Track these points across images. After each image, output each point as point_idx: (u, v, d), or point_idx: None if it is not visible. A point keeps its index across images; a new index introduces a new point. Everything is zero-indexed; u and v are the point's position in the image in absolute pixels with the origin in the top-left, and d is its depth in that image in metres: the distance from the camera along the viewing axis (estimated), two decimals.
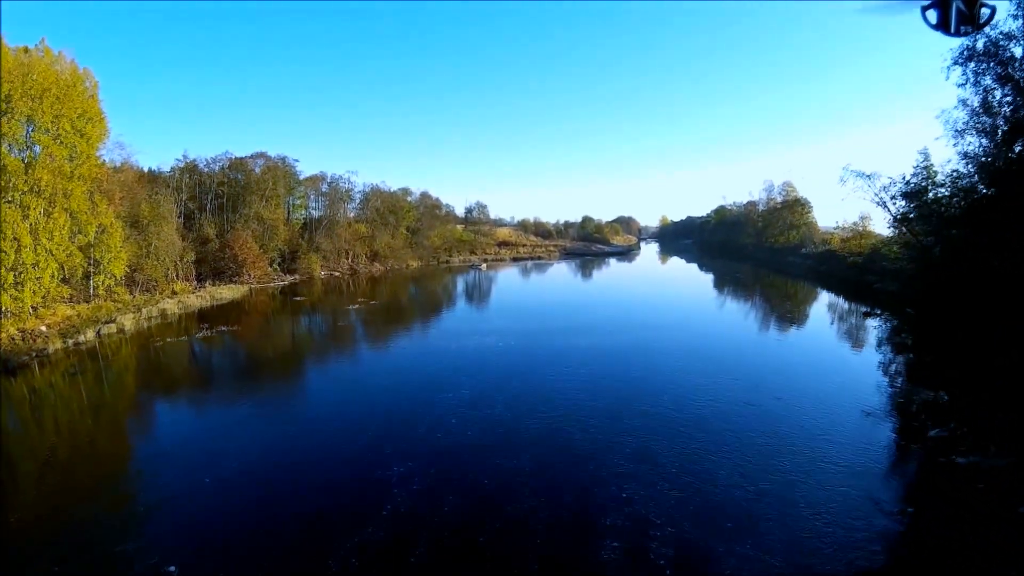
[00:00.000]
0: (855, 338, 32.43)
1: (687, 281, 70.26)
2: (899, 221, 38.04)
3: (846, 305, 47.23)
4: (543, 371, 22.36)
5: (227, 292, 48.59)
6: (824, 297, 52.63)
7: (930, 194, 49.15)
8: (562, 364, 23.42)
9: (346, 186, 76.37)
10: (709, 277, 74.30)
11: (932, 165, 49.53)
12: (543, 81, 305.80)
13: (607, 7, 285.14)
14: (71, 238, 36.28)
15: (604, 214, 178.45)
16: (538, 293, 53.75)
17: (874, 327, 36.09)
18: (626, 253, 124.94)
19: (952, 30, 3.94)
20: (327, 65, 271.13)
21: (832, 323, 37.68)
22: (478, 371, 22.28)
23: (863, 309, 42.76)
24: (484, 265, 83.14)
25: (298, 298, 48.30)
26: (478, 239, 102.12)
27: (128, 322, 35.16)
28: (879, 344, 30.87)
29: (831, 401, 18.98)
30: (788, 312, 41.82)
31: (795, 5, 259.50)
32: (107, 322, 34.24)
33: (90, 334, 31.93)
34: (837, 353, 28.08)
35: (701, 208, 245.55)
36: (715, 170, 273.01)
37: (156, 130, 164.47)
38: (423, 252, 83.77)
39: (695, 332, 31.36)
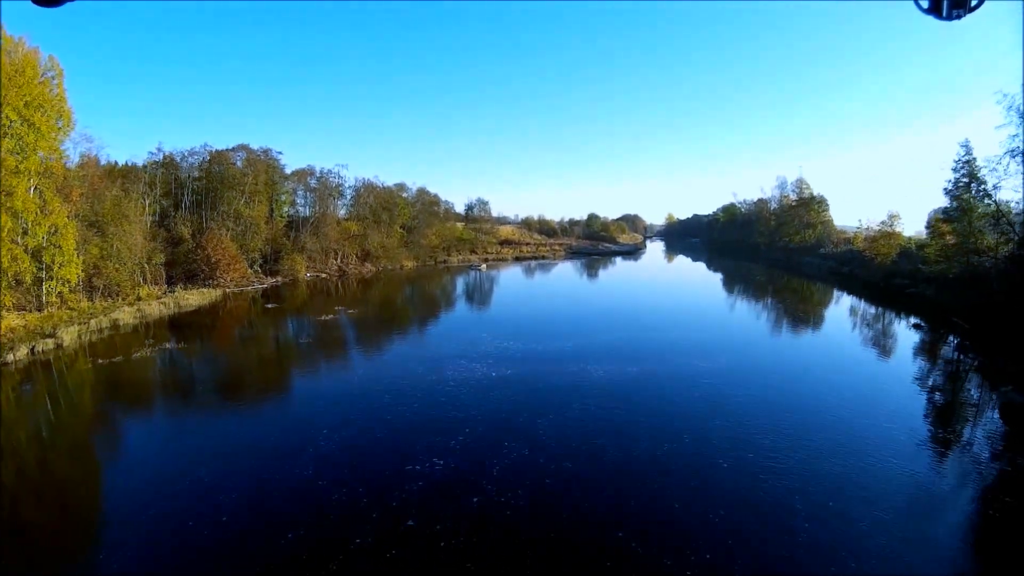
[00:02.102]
0: (913, 358, 27.45)
1: (704, 284, 65.26)
2: None
3: (885, 313, 42.30)
4: (549, 420, 16.90)
5: (195, 298, 43.85)
6: (856, 304, 47.66)
7: (974, 190, 44.71)
8: (574, 408, 17.97)
9: (336, 181, 71.73)
10: (726, 280, 69.28)
11: (975, 159, 45.22)
12: (550, 79, 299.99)
13: (620, 7, 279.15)
14: (18, 240, 31.93)
15: (610, 212, 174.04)
16: (542, 300, 47.81)
17: (927, 342, 31.33)
18: (633, 252, 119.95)
19: (944, 15, 3.59)
20: (318, 55, 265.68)
21: (879, 338, 32.60)
22: (461, 423, 16.55)
23: (911, 320, 37.99)
24: (484, 265, 78.26)
25: (272, 305, 43.47)
26: (479, 238, 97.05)
27: (68, 336, 30.49)
28: (945, 367, 26.18)
29: (933, 468, 14.29)
30: (828, 325, 36.56)
31: (801, 7, 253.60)
32: (47, 336, 29.66)
33: (23, 351, 27.31)
34: (902, 382, 23.16)
35: (708, 206, 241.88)
36: (719, 173, 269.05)
37: (135, 124, 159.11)
38: (419, 251, 78.80)
39: (735, 355, 25.82)
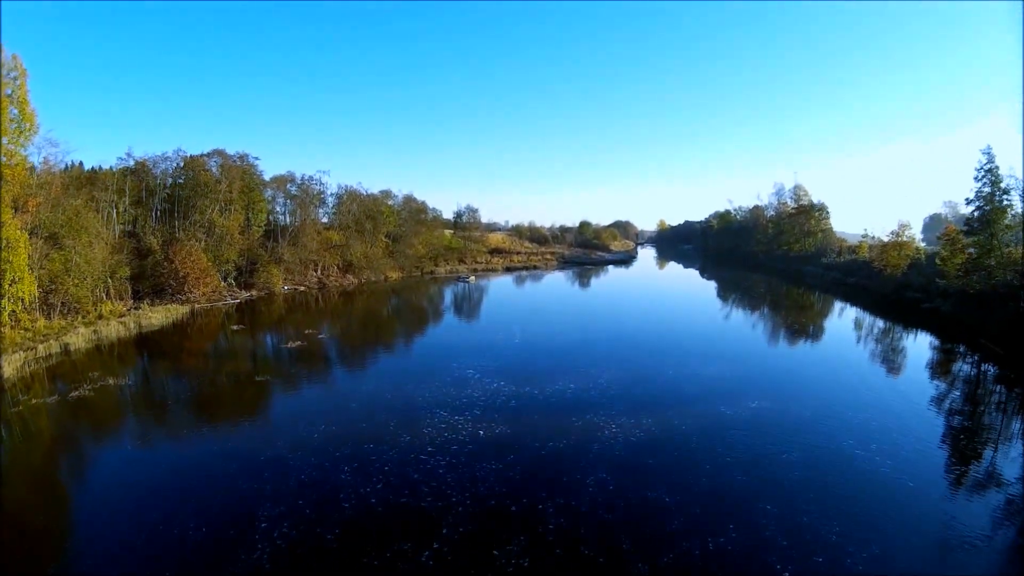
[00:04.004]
0: (965, 398, 24.18)
1: (707, 299, 62.03)
2: None
3: (909, 335, 39.17)
4: (555, 509, 12.76)
5: (159, 317, 40.04)
6: (873, 321, 44.51)
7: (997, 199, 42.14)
8: (586, 488, 13.86)
9: (318, 188, 68.00)
10: (729, 293, 66.25)
11: (997, 167, 42.67)
12: (541, 84, 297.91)
13: (612, 9, 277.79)
14: None
15: (601, 218, 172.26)
16: (535, 319, 43.43)
17: (966, 373, 28.28)
18: (626, 260, 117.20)
19: None
20: (303, 60, 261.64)
21: (913, 368, 29.00)
22: (438, 516, 12.43)
23: (941, 344, 35.07)
24: (472, 277, 74.70)
25: (238, 327, 39.43)
26: (468, 246, 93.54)
27: (11, 366, 26.85)
28: (999, 403, 23.05)
29: None
30: (852, 351, 32.79)
31: (795, 6, 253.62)
32: None
33: None
34: (959, 430, 20.03)
35: (699, 212, 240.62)
36: (712, 179, 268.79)
37: (106, 129, 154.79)
38: (405, 262, 75.17)
39: (763, 397, 21.64)
